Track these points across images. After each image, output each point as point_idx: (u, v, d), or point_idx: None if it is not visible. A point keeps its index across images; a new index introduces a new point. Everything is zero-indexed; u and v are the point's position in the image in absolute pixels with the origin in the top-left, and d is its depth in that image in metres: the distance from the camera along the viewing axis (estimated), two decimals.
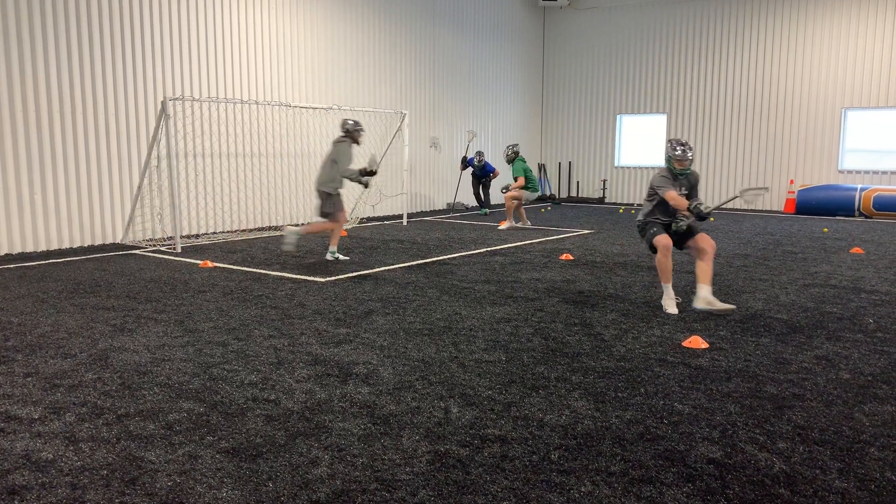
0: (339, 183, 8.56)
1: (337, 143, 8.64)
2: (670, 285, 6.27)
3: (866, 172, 15.57)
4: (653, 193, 6.34)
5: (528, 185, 12.76)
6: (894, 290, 7.15)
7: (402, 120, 13.27)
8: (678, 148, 6.17)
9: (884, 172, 15.40)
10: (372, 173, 8.67)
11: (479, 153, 15.47)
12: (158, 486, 3.01)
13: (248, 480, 3.06)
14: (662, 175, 6.27)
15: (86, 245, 9.97)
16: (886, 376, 4.48)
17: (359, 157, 9.18)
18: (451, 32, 16.19)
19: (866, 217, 14.70)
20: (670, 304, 6.21)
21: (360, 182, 8.69)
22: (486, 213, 15.35)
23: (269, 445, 3.40)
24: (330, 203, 8.56)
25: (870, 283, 7.51)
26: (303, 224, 9.07)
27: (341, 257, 8.91)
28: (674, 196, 6.10)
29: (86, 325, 5.66)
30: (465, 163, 15.60)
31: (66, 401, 3.99)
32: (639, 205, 18.09)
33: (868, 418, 3.79)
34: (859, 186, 14.92)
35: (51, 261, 8.72)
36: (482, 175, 15.54)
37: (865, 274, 8.08)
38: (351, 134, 8.65)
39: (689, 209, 6.14)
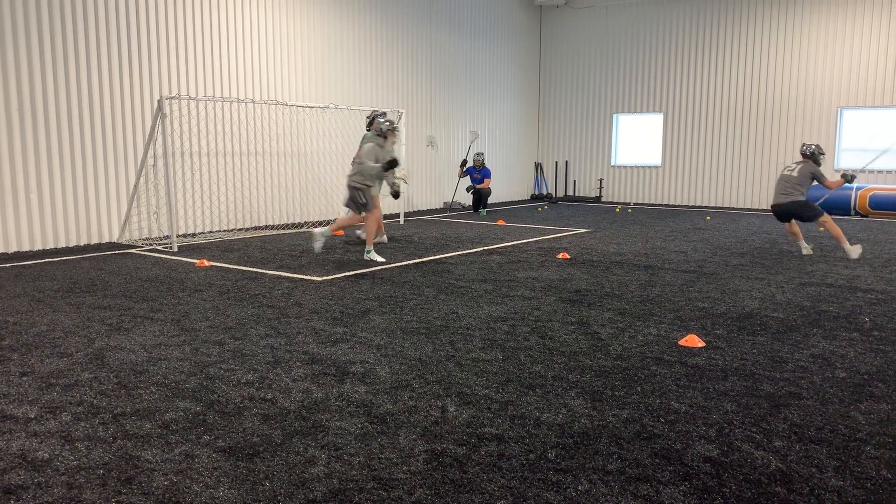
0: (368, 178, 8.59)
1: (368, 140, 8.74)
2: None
3: (862, 171, 15.59)
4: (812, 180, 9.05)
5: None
6: (890, 289, 7.17)
7: (399, 119, 13.26)
8: None
9: (879, 171, 15.43)
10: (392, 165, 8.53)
11: (480, 154, 15.44)
12: (155, 485, 3.01)
13: (245, 479, 3.06)
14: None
15: (82, 244, 9.95)
16: (882, 375, 4.49)
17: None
18: (447, 31, 16.19)
19: (862, 216, 14.73)
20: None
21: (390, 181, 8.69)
22: (484, 215, 15.35)
23: (265, 444, 3.40)
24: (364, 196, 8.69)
25: (865, 282, 7.53)
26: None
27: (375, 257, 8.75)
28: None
29: (82, 324, 5.65)
30: (466, 170, 15.55)
31: (62, 400, 3.98)
32: (636, 204, 18.11)
33: (864, 417, 3.79)
34: (855, 185, 14.94)
35: (46, 260, 8.71)
36: (480, 182, 15.50)
37: (861, 273, 8.09)
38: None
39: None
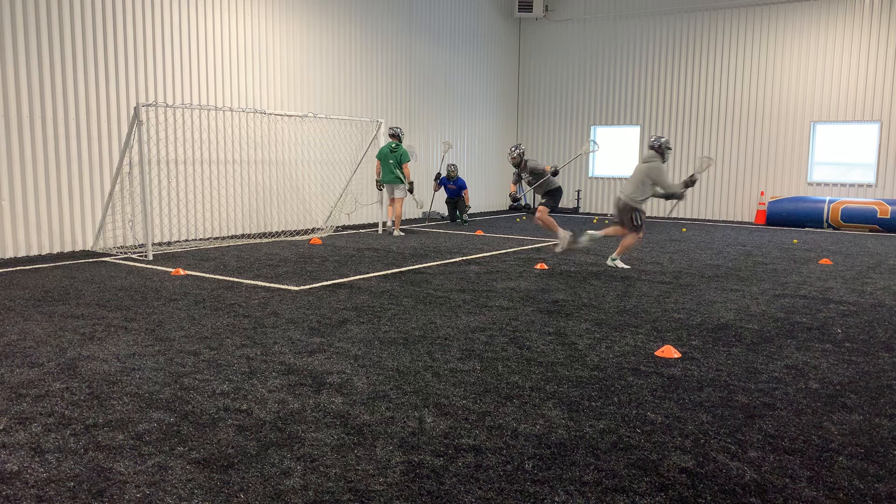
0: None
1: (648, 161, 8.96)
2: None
3: (834, 185, 15.87)
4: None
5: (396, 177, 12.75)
6: (861, 301, 7.28)
7: (378, 128, 13.26)
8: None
9: (851, 185, 15.70)
10: (693, 182, 8.99)
11: (452, 166, 15.42)
12: (127, 497, 2.96)
13: (220, 491, 3.02)
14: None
15: (55, 252, 9.81)
16: (854, 386, 4.55)
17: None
18: (427, 42, 16.24)
19: (834, 228, 14.96)
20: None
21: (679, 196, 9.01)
22: (465, 222, 15.36)
23: (240, 456, 3.36)
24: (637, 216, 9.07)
25: (838, 294, 7.64)
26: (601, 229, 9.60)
27: (620, 265, 9.16)
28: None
29: (54, 333, 5.56)
30: (439, 181, 15.56)
31: (33, 411, 3.91)
32: (612, 215, 18.20)
33: (837, 427, 3.84)
34: (828, 198, 15.19)
35: (18, 268, 8.57)
36: (455, 193, 15.53)
37: (834, 285, 8.21)
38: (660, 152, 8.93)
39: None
